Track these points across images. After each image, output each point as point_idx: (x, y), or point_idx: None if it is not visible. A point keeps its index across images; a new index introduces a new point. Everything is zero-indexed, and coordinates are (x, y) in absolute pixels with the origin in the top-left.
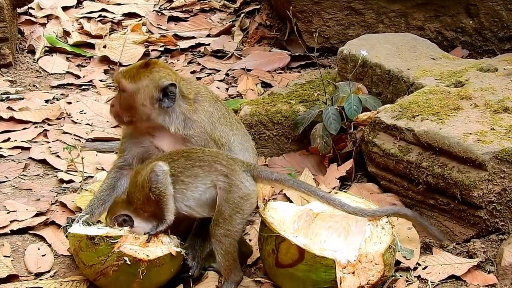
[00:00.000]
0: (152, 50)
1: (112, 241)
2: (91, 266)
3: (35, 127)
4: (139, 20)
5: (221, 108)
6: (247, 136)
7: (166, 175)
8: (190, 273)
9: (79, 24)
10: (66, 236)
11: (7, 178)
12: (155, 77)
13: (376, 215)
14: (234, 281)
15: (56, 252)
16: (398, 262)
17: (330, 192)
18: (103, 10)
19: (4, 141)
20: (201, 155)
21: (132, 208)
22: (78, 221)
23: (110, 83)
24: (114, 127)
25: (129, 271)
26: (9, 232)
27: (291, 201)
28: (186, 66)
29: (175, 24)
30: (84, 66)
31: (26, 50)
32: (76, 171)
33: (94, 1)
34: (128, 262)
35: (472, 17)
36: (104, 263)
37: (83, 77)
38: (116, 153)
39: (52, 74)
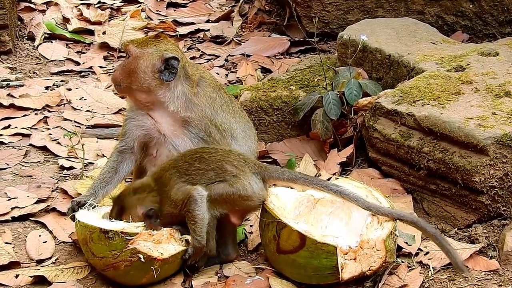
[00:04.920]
0: None
1: (127, 237)
2: (102, 258)
3: (36, 114)
4: (138, 6)
5: (224, 96)
6: (249, 124)
7: (204, 199)
8: (196, 266)
9: (78, 11)
10: (73, 219)
11: (8, 165)
12: (161, 47)
13: (392, 215)
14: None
15: (57, 239)
16: (399, 248)
17: (330, 178)
18: None
19: (5, 128)
20: (213, 155)
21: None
22: (85, 207)
23: (110, 69)
24: (115, 113)
25: (142, 267)
26: (10, 219)
27: (292, 187)
28: (185, 52)
29: (174, 10)
30: (84, 53)
31: (26, 37)
32: (76, 158)
33: None
34: (142, 259)
35: (472, 1)
36: (117, 257)
37: (83, 63)
38: (117, 139)
39: (52, 60)
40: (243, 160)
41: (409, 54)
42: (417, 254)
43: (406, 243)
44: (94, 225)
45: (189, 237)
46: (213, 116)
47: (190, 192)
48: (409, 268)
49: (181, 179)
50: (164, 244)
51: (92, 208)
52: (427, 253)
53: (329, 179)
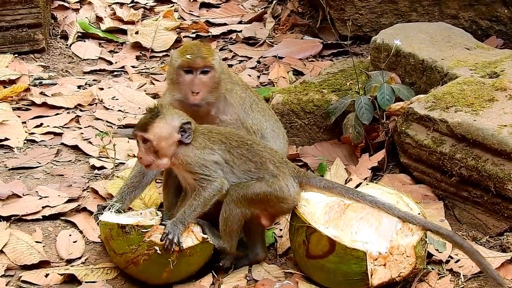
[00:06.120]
0: (184, 37)
1: (143, 230)
2: (122, 255)
3: (68, 112)
4: (171, 6)
5: (251, 95)
6: (278, 123)
7: (218, 195)
8: (220, 264)
9: (111, 10)
10: (98, 224)
11: (40, 163)
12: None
13: (427, 227)
14: (224, 246)
15: (87, 239)
16: (430, 255)
17: (361, 183)
18: None
19: (37, 126)
20: (262, 149)
21: None
22: (109, 209)
23: (142, 69)
24: None
25: (160, 260)
26: (41, 218)
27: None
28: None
29: (207, 11)
30: (116, 52)
31: (59, 36)
32: (107, 158)
33: None
34: (158, 251)
35: (507, 6)
36: (135, 252)
37: (115, 63)
38: None
39: (84, 59)
40: (285, 162)
41: (442, 59)
42: (447, 261)
43: (437, 250)
44: (112, 222)
45: (207, 236)
46: (244, 118)
47: (218, 181)
48: (439, 276)
49: (221, 153)
50: (182, 237)
51: (118, 213)
52: (458, 260)
53: (359, 184)
